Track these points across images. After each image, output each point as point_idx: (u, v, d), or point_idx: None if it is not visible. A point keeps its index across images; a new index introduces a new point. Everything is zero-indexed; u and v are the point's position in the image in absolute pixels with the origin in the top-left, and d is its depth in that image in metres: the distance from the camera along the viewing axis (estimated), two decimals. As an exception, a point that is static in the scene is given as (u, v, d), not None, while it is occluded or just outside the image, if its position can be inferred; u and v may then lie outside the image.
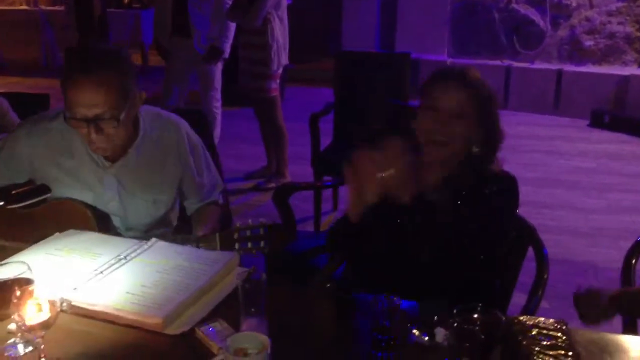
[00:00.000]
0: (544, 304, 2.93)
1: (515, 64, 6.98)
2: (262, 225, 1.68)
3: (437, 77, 1.70)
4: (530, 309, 1.69)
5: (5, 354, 1.25)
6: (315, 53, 7.93)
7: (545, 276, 1.76)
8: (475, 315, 1.18)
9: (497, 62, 7.06)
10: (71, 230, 1.77)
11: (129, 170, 1.87)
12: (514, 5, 6.97)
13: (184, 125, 1.99)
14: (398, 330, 1.29)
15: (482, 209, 1.66)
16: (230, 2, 4.39)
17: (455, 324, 1.16)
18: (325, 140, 4.01)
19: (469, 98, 1.63)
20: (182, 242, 1.71)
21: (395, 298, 1.33)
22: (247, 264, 1.70)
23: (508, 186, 1.72)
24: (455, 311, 1.18)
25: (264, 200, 4.31)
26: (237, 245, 1.67)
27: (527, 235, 1.87)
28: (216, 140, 4.96)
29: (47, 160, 1.84)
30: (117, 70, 1.69)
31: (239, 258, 1.62)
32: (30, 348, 1.25)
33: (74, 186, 1.84)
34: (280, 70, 4.39)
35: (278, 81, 4.44)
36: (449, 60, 7.22)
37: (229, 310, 1.39)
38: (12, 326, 1.28)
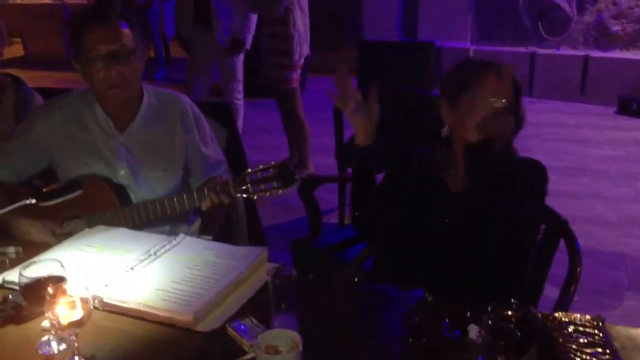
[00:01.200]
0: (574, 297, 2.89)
1: (541, 51, 6.87)
2: (272, 167, 1.73)
3: (479, 69, 1.67)
4: (564, 304, 1.66)
5: (40, 352, 1.27)
6: (336, 42, 7.89)
7: (579, 270, 1.72)
8: (510, 312, 1.15)
9: (522, 49, 6.96)
10: (101, 226, 1.78)
11: (137, 139, 1.96)
12: (539, -9, 6.86)
13: (186, 99, 2.08)
14: (430, 327, 1.28)
15: (511, 191, 1.66)
16: (251, -7, 4.37)
17: (490, 322, 1.13)
18: (350, 131, 3.97)
19: (510, 91, 1.63)
20: (199, 196, 1.78)
21: (427, 293, 1.32)
22: (276, 258, 1.71)
23: (538, 170, 1.74)
24: (489, 308, 1.16)
25: (287, 191, 4.30)
26: (250, 189, 1.72)
27: (560, 227, 1.83)
28: (239, 132, 4.97)
29: (62, 136, 1.95)
30: (124, 16, 1.89)
31: (267, 253, 1.62)
32: (64, 346, 1.26)
33: (87, 157, 1.94)
34: (301, 61, 4.37)
35: (299, 72, 4.41)
36: (473, 48, 7.14)
37: (259, 306, 1.39)
38: (46, 324, 1.30)
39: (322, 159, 4.52)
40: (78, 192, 1.58)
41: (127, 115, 1.96)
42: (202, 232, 2.10)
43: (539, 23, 6.87)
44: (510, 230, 1.66)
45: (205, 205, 1.82)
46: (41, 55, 9.04)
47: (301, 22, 4.26)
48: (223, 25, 4.51)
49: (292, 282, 1.33)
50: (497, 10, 7.11)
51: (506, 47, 7.06)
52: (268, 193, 1.75)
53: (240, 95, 4.87)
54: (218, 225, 2.15)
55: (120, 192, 1.94)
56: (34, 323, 1.34)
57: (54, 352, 1.25)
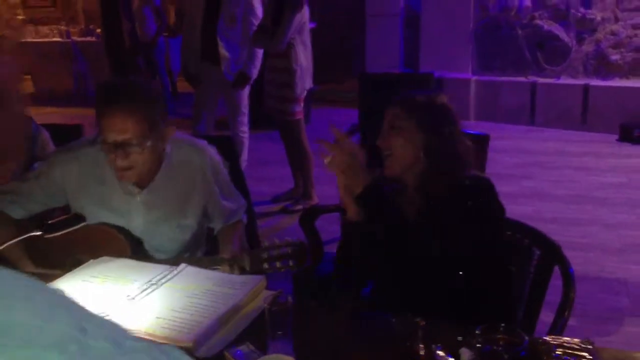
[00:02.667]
0: (575, 322, 2.91)
1: (541, 80, 6.96)
2: (289, 244, 1.73)
3: None
4: (558, 328, 1.68)
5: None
6: (340, 74, 8.03)
7: (572, 295, 1.75)
8: (499, 335, 1.19)
9: (522, 79, 7.05)
10: (105, 257, 1.82)
11: (156, 197, 1.96)
12: (538, 21, 6.96)
13: (208, 150, 2.06)
14: (422, 351, 1.32)
15: (462, 218, 1.73)
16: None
17: (478, 344, 1.17)
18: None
19: (401, 112, 1.78)
20: (213, 264, 1.76)
21: (418, 318, 1.35)
22: (276, 287, 1.74)
23: (481, 190, 1.77)
24: (477, 331, 1.20)
25: (292, 222, 4.35)
26: (266, 265, 1.71)
27: (552, 253, 1.87)
28: (244, 164, 5.05)
29: (79, 186, 1.94)
30: (144, 101, 1.82)
31: (266, 282, 1.66)
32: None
33: (103, 211, 1.93)
34: (304, 94, 4.46)
35: (302, 104, 4.50)
36: (474, 78, 7.24)
37: (257, 332, 1.42)
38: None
39: (326, 189, 4.57)
40: (82, 224, 1.63)
41: (147, 175, 1.94)
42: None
43: (539, 53, 6.97)
44: (473, 255, 1.70)
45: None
46: (50, 92, 9.22)
47: (304, 56, 4.37)
48: (230, 60, 4.62)
49: (287, 309, 1.37)
50: (497, 41, 7.22)
51: (507, 77, 7.16)
52: (283, 269, 1.74)
53: (246, 128, 4.96)
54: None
55: (133, 241, 1.94)
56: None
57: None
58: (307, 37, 4.40)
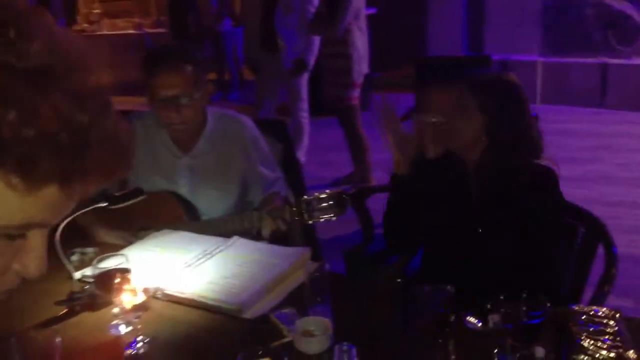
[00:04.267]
0: (631, 304, 2.88)
1: (612, 61, 6.73)
2: (329, 195, 1.79)
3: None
4: (596, 301, 1.71)
5: (110, 333, 1.47)
6: (401, 59, 8.01)
7: (613, 271, 1.77)
8: (521, 301, 1.25)
9: (592, 60, 6.84)
10: (166, 230, 1.99)
11: (199, 160, 2.14)
12: (608, 1, 6.73)
13: (247, 122, 2.23)
14: (451, 318, 1.39)
15: (512, 200, 1.76)
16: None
17: (502, 309, 1.24)
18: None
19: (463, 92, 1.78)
20: (257, 219, 1.89)
21: (450, 287, 1.43)
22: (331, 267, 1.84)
23: (541, 182, 1.77)
24: (501, 297, 1.26)
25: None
26: (305, 216, 1.79)
27: (598, 231, 1.89)
28: (305, 149, 5.19)
29: None
30: (188, 59, 2.03)
31: (310, 254, 1.77)
32: (130, 328, 1.46)
33: (152, 174, 2.12)
34: (361, 79, 4.53)
35: (358, 90, 4.58)
36: (541, 60, 7.08)
37: (299, 299, 1.54)
38: (116, 310, 1.50)
39: (384, 174, 4.64)
40: (143, 197, 1.80)
41: (190, 139, 2.14)
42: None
43: (609, 33, 6.74)
44: (520, 236, 1.74)
45: (265, 230, 1.90)
46: (125, 82, 9.64)
47: (360, 42, 4.44)
48: (287, 48, 4.75)
49: (325, 277, 1.48)
50: (565, 22, 7.02)
51: (576, 58, 6.96)
52: (322, 220, 1.81)
53: (306, 114, 5.08)
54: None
55: (189, 208, 2.12)
56: (106, 310, 1.53)
57: (121, 334, 1.45)
58: (363, 23, 4.46)
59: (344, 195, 1.86)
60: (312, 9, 4.61)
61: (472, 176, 1.86)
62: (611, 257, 1.80)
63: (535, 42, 7.11)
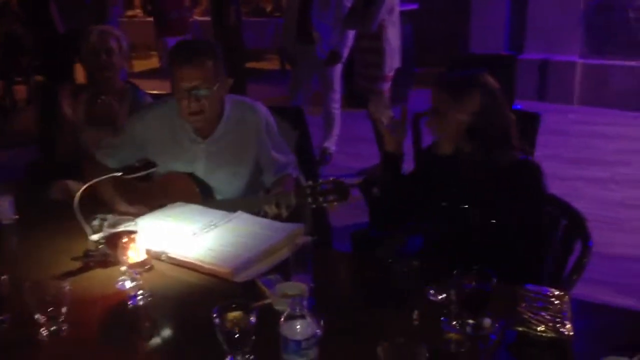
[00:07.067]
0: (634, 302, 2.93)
1: (654, 64, 6.64)
2: (331, 182, 1.98)
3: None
4: (560, 285, 1.83)
5: (117, 286, 1.68)
6: (443, 56, 8.05)
7: (584, 261, 1.88)
8: (471, 277, 1.39)
9: (634, 63, 6.75)
10: (179, 203, 2.19)
11: (216, 145, 2.30)
12: (652, 3, 6.63)
13: (262, 109, 2.39)
14: (416, 289, 1.54)
15: (500, 196, 1.91)
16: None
17: (451, 282, 1.38)
18: (427, 139, 4.18)
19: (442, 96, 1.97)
20: (264, 201, 2.08)
21: (415, 261, 1.58)
22: (339, 248, 1.99)
23: (527, 170, 1.94)
24: (455, 272, 1.40)
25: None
26: (310, 199, 1.97)
27: (577, 225, 1.99)
28: (335, 139, 5.35)
29: (154, 136, 2.31)
30: (209, 54, 2.18)
31: (303, 229, 1.94)
32: (134, 283, 1.66)
33: (171, 157, 2.28)
34: (392, 73, 4.66)
35: (389, 83, 4.71)
36: (580, 61, 7.03)
37: (286, 268, 1.71)
38: (123, 268, 1.70)
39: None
40: (155, 168, 2.02)
41: (210, 126, 2.29)
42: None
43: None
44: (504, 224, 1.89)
45: (269, 215, 2.07)
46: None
47: (393, 37, 4.57)
48: (323, 40, 4.93)
49: (308, 248, 1.65)
50: (608, 24, 6.95)
51: (617, 60, 6.88)
52: (325, 205, 2.00)
53: (337, 104, 5.25)
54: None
55: (204, 188, 2.31)
56: (116, 268, 1.74)
57: (126, 287, 1.65)
58: (396, 18, 4.59)
59: (345, 184, 2.03)
60: (348, 4, 4.76)
61: (462, 163, 2.01)
62: (586, 250, 1.90)
63: (576, 43, 7.06)
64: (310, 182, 2.02)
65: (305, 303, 1.23)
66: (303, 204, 2.02)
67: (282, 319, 1.21)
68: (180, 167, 2.31)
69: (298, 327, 1.19)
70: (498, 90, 2.00)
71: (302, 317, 1.20)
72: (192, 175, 2.30)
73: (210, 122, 2.28)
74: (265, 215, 2.10)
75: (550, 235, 2.03)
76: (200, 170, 2.32)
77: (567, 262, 2.00)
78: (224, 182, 2.33)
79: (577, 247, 1.99)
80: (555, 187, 2.02)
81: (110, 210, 2.14)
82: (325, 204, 2.00)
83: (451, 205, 2.02)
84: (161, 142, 2.32)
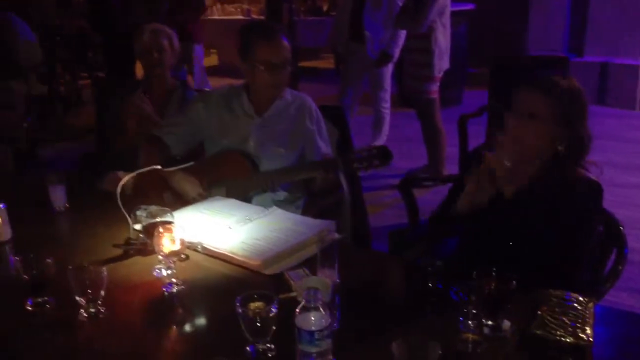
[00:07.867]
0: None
1: None
2: (374, 148, 2.14)
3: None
4: (593, 292, 1.80)
5: (154, 273, 1.77)
6: (499, 57, 7.92)
7: (620, 268, 1.85)
8: (492, 278, 1.40)
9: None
10: (218, 197, 2.27)
11: (270, 122, 2.48)
12: None
13: (312, 101, 2.58)
14: (440, 289, 1.56)
15: (561, 211, 1.77)
16: (399, 11, 4.76)
17: (472, 284, 1.40)
18: (474, 141, 4.13)
19: (542, 99, 1.78)
20: (311, 168, 2.30)
21: (439, 262, 1.60)
22: (377, 247, 2.03)
23: (590, 192, 1.78)
24: (475, 273, 1.42)
25: (419, 195, 4.56)
26: (355, 165, 2.15)
27: (613, 231, 1.96)
28: (384, 138, 5.36)
29: (213, 115, 2.51)
30: (286, 31, 2.47)
31: (334, 226, 1.98)
32: (169, 272, 1.74)
33: (228, 132, 2.47)
34: (440, 74, 4.64)
35: (438, 84, 4.69)
36: (643, 65, 6.79)
37: (314, 264, 1.75)
38: (160, 257, 1.79)
39: (456, 168, 4.71)
40: (190, 164, 2.13)
41: (266, 103, 2.48)
42: (304, 213, 2.51)
43: None
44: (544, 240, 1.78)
45: (316, 182, 2.27)
46: (232, 64, 10.15)
47: (443, 38, 4.55)
48: (374, 40, 4.95)
49: (334, 244, 1.69)
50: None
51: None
52: (370, 169, 2.16)
53: (387, 104, 5.26)
54: (319, 210, 2.53)
55: (253, 162, 2.45)
56: (154, 256, 1.82)
57: (162, 275, 1.74)
58: (447, 20, 4.56)
59: (387, 148, 2.18)
60: (400, 4, 4.77)
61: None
62: (621, 257, 1.87)
63: (638, 46, 6.82)
64: (354, 150, 2.19)
65: (319, 296, 1.27)
66: (350, 168, 2.22)
67: (297, 311, 1.26)
68: (235, 141, 2.46)
69: (312, 318, 1.24)
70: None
71: (317, 309, 1.25)
72: (242, 152, 2.44)
73: (270, 98, 2.48)
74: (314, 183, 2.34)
75: (590, 244, 2.00)
76: (253, 145, 2.46)
77: (604, 270, 1.97)
78: (273, 158, 2.45)
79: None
80: (606, 193, 1.87)
81: (157, 203, 2.24)
82: (370, 169, 2.16)
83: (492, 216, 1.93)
84: (218, 120, 2.50)
